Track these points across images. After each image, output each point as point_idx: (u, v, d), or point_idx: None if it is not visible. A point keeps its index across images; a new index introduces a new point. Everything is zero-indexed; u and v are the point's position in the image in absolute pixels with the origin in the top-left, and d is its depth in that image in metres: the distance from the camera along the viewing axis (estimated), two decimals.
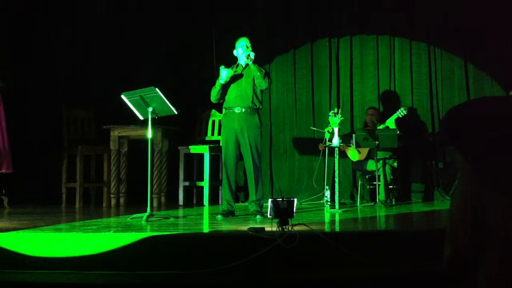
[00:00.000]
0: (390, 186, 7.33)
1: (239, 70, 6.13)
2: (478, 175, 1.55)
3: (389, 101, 8.10)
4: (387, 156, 7.37)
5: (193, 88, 8.08)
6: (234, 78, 6.10)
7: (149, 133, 5.79)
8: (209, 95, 6.29)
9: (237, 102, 6.06)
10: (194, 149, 7.68)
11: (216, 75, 6.35)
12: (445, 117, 1.58)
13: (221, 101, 6.19)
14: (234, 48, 6.19)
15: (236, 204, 6.31)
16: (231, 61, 6.25)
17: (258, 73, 5.97)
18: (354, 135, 7.17)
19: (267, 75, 6.07)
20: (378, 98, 8.17)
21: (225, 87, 6.11)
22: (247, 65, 6.06)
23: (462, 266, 1.63)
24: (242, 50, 6.04)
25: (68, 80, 8.17)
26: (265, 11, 8.33)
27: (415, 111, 8.13)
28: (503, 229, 1.52)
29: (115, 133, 7.27)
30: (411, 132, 7.93)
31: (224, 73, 5.97)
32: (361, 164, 7.54)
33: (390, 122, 7.40)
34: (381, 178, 7.18)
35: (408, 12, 8.17)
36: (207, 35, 8.25)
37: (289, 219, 4.46)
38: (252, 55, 5.96)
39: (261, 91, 6.12)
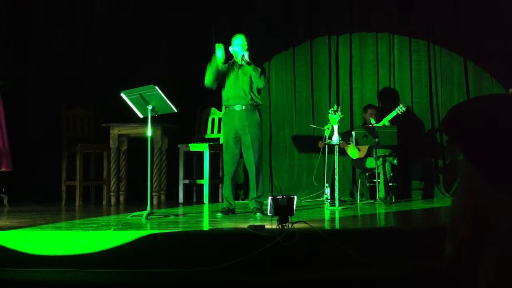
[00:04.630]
0: (390, 184, 7.33)
1: (235, 68, 6.12)
2: (479, 174, 1.55)
3: (389, 99, 8.10)
4: (387, 154, 7.37)
5: (192, 86, 8.07)
6: (232, 76, 6.10)
7: (149, 131, 5.79)
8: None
9: (236, 100, 6.06)
10: (194, 147, 7.68)
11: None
12: (447, 116, 1.59)
13: (214, 88, 6.14)
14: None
15: (236, 201, 6.32)
16: (232, 57, 6.24)
17: (254, 73, 5.97)
18: (353, 132, 7.18)
19: (263, 73, 6.03)
20: (378, 96, 8.17)
21: (220, 78, 6.10)
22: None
23: (462, 264, 1.63)
24: (239, 49, 6.03)
25: (68, 79, 8.17)
26: (265, 10, 8.33)
27: (415, 109, 8.13)
28: (503, 228, 1.53)
29: (115, 131, 7.28)
30: (410, 129, 7.93)
31: (219, 51, 5.92)
32: (360, 161, 7.55)
33: (387, 121, 7.40)
34: (381, 175, 7.18)
35: (408, 10, 8.17)
36: (207, 35, 8.24)
37: (289, 216, 4.47)
38: (246, 55, 5.94)
39: (259, 89, 6.13)
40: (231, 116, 6.09)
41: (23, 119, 8.02)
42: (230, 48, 6.11)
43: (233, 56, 6.14)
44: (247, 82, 6.05)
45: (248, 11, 8.35)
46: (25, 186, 7.87)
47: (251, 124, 6.04)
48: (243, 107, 6.04)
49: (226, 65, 6.10)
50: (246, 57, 5.95)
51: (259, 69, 6.03)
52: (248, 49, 6.02)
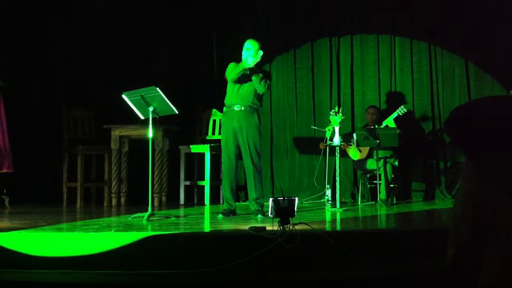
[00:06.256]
0: (391, 185, 7.33)
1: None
2: (481, 175, 1.55)
3: (390, 100, 8.10)
4: (388, 155, 7.36)
5: (193, 88, 8.08)
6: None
7: (150, 133, 5.79)
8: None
9: (237, 101, 6.06)
10: (195, 148, 7.68)
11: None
12: (449, 118, 1.59)
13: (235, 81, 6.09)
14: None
15: (237, 203, 6.31)
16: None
17: (255, 78, 5.96)
18: (354, 134, 7.18)
19: (264, 79, 5.99)
20: (379, 97, 8.17)
21: (227, 85, 6.13)
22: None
23: (464, 265, 1.63)
24: (249, 53, 6.00)
25: (68, 80, 8.17)
26: (265, 11, 8.33)
27: (416, 110, 8.13)
28: (504, 229, 1.53)
29: (116, 132, 7.28)
30: (411, 131, 7.93)
31: (250, 60, 5.87)
32: (361, 163, 7.55)
33: (389, 121, 7.40)
34: (382, 177, 7.18)
35: (408, 12, 8.18)
36: (207, 35, 8.24)
37: (290, 218, 4.47)
38: (251, 60, 5.92)
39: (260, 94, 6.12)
40: (230, 117, 6.10)
41: (24, 120, 8.02)
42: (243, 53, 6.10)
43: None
44: (251, 85, 6.04)
45: (248, 11, 8.35)
46: (26, 187, 7.87)
47: (250, 125, 6.03)
48: (242, 108, 6.04)
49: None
50: (251, 62, 5.93)
51: (260, 75, 5.98)
52: (260, 51, 6.00)
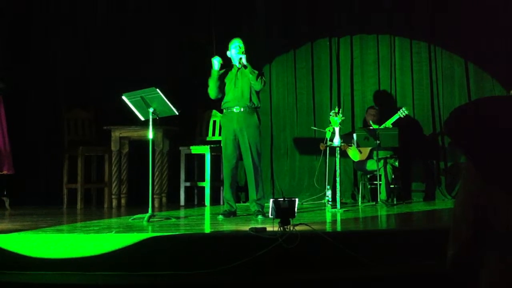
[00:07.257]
0: (391, 186, 7.33)
1: (234, 71, 6.14)
2: (480, 174, 1.55)
3: (390, 101, 8.10)
4: (388, 156, 7.36)
5: (193, 88, 8.07)
6: (231, 79, 6.11)
7: (150, 134, 5.79)
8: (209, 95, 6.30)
9: (235, 102, 6.06)
10: (195, 149, 7.68)
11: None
12: (448, 118, 1.59)
13: (220, 97, 6.18)
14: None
15: (237, 204, 6.32)
16: (230, 61, 6.24)
17: (251, 75, 5.98)
18: (355, 134, 7.18)
19: (260, 76, 6.01)
20: (379, 98, 8.17)
21: (223, 86, 6.13)
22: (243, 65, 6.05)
23: (464, 265, 1.63)
24: (236, 51, 6.05)
25: (68, 81, 8.17)
26: (265, 11, 8.33)
27: (416, 111, 8.13)
28: (504, 228, 1.53)
29: (116, 134, 7.28)
30: (411, 131, 7.93)
31: (216, 62, 5.99)
32: (362, 163, 7.55)
33: (389, 124, 7.40)
34: (382, 177, 7.18)
35: (408, 12, 8.18)
36: (207, 36, 8.24)
37: (290, 219, 4.47)
38: (244, 58, 5.95)
39: (257, 91, 6.12)
40: (230, 119, 6.10)
41: (24, 121, 8.02)
42: (228, 53, 6.13)
43: (231, 60, 6.15)
44: (247, 85, 6.05)
45: (248, 12, 8.35)
46: (26, 188, 7.86)
47: (249, 126, 6.04)
48: (242, 109, 6.05)
49: (222, 71, 6.13)
50: (244, 60, 5.96)
51: (256, 72, 6.02)
52: (245, 52, 6.04)
